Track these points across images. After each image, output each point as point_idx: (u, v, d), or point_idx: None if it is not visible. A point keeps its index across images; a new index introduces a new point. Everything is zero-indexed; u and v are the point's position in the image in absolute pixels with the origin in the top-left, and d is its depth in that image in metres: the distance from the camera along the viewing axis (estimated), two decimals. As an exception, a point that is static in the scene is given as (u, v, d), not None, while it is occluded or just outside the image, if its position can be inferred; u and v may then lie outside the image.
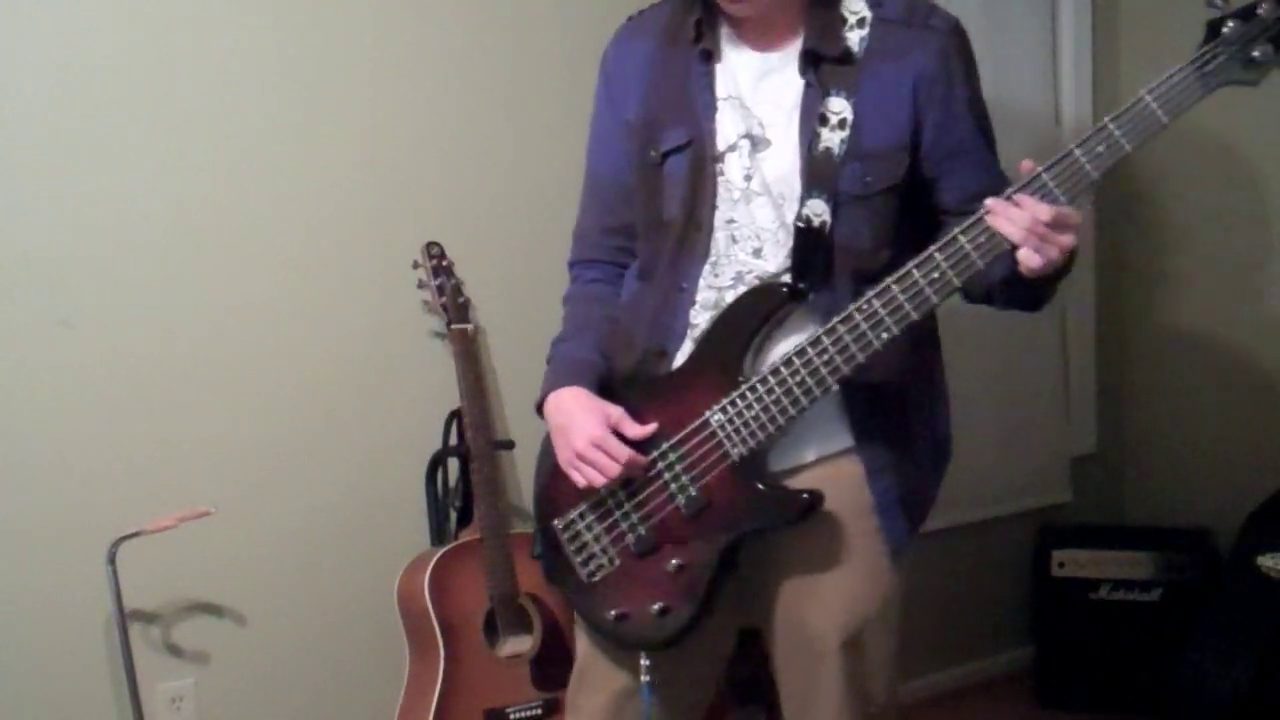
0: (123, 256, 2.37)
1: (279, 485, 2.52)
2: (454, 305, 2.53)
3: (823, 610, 1.72)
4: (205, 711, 2.48)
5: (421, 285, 2.56)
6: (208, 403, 2.45)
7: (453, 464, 2.63)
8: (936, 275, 1.55)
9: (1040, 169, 1.52)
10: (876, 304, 1.57)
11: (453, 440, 2.61)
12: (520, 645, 2.45)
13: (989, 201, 1.52)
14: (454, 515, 2.62)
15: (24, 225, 2.29)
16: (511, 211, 2.69)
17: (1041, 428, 3.37)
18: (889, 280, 1.57)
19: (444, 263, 2.55)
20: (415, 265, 2.55)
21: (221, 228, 2.45)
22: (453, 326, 2.53)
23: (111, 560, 2.28)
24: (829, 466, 1.70)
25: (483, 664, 2.41)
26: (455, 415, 2.59)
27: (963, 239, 1.53)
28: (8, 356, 2.28)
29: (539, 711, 2.43)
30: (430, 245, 2.55)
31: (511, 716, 2.42)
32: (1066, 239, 1.51)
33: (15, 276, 2.29)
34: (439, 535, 2.61)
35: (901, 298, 1.56)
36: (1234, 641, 2.63)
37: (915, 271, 1.56)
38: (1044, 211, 1.49)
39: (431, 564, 2.41)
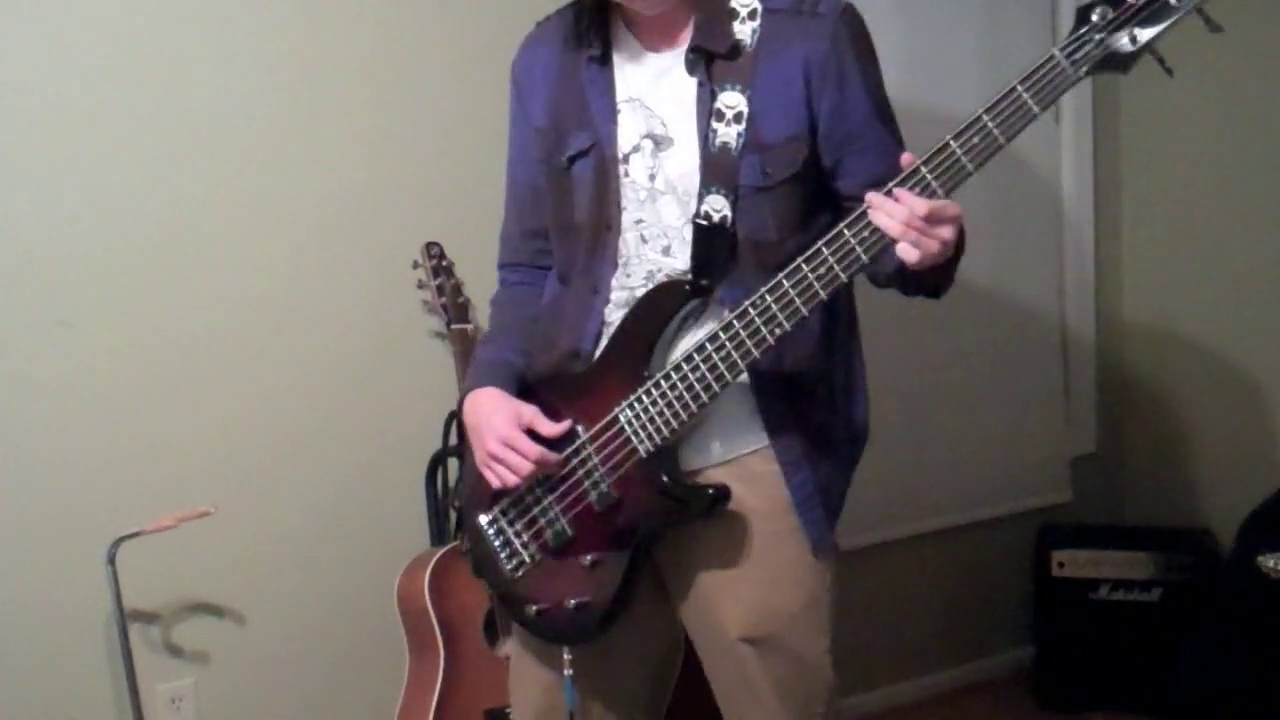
0: (122, 256, 2.37)
1: (279, 485, 2.52)
2: (454, 305, 2.53)
3: (736, 609, 1.73)
4: (205, 711, 2.48)
5: (421, 285, 2.56)
6: (208, 403, 2.45)
7: (453, 464, 2.63)
8: (824, 270, 1.55)
9: (919, 162, 1.50)
10: (769, 299, 1.58)
11: (453, 440, 2.61)
12: (520, 645, 2.45)
13: (869, 196, 1.51)
14: (454, 515, 2.62)
15: (24, 225, 2.30)
16: (511, 211, 2.69)
17: (1041, 428, 3.37)
18: (780, 275, 1.58)
19: (444, 263, 2.55)
20: (415, 265, 2.55)
21: (221, 228, 2.45)
22: (453, 326, 2.53)
23: (111, 560, 2.28)
24: (742, 465, 1.71)
25: (482, 664, 2.41)
26: (455, 415, 2.59)
27: (848, 233, 1.53)
28: (8, 356, 2.29)
29: (539, 711, 2.43)
30: (430, 245, 2.55)
31: (511, 717, 2.42)
32: (945, 232, 1.49)
33: (15, 276, 2.29)
34: (439, 535, 2.61)
35: (792, 293, 1.57)
36: (1234, 641, 2.62)
37: (804, 266, 1.56)
38: (920, 206, 1.47)
39: (431, 564, 2.41)
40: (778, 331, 1.58)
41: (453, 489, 2.62)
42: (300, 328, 2.53)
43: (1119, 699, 3.08)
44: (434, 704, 2.36)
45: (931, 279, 1.63)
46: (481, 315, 2.61)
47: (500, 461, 1.70)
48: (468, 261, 2.59)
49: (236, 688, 2.50)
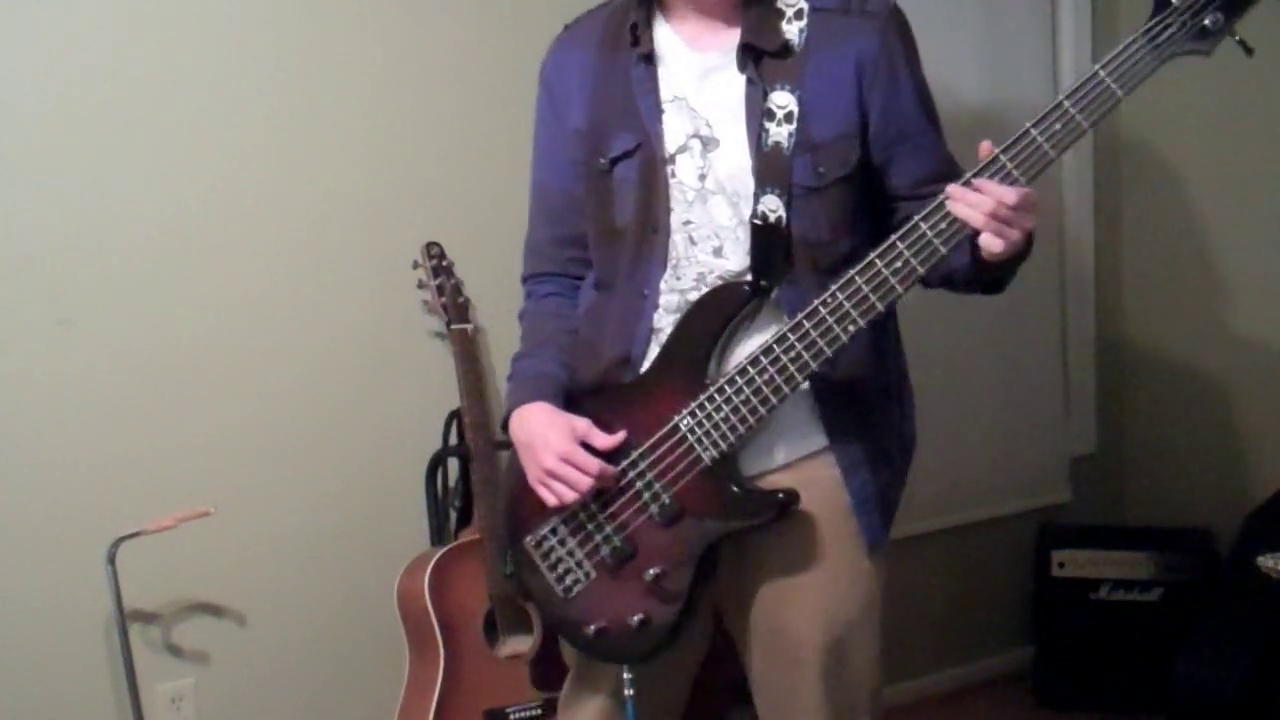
0: (123, 256, 2.37)
1: (279, 485, 2.52)
2: (454, 305, 2.53)
3: (802, 615, 1.71)
4: (205, 711, 2.48)
5: (421, 285, 2.56)
6: (208, 403, 2.45)
7: (453, 464, 2.63)
8: (900, 264, 1.53)
9: (998, 150, 1.50)
10: (841, 297, 1.56)
11: (453, 440, 2.61)
12: (520, 645, 2.45)
13: (950, 188, 1.51)
14: (454, 515, 2.62)
15: (24, 225, 2.29)
16: (511, 211, 2.65)
17: (1041, 428, 3.37)
18: (852, 272, 1.56)
19: (444, 263, 2.55)
20: (415, 265, 2.55)
21: (221, 228, 2.45)
22: (453, 326, 2.53)
23: (111, 560, 2.28)
24: (802, 469, 1.69)
25: (482, 664, 2.41)
26: (455, 415, 2.59)
27: (924, 226, 1.52)
28: (8, 356, 2.29)
29: (538, 711, 2.43)
30: (430, 245, 2.55)
31: (511, 716, 2.42)
32: (1028, 221, 1.50)
33: (15, 276, 2.29)
34: (439, 535, 2.61)
35: (866, 289, 1.55)
36: (1234, 641, 2.62)
37: (878, 261, 1.54)
38: (1008, 195, 1.47)
39: (431, 564, 2.41)
40: (851, 329, 1.56)
41: (453, 489, 2.62)
42: (300, 327, 2.53)
43: (1119, 699, 3.07)
44: (434, 704, 2.36)
45: (999, 272, 1.61)
46: (482, 315, 2.62)
47: (558, 478, 1.66)
48: (468, 261, 2.59)
49: (236, 688, 2.50)
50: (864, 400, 1.71)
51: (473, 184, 2.67)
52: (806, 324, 1.58)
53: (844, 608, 1.72)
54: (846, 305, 1.56)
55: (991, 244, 1.49)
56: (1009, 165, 1.49)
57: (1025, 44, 3.18)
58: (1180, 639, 2.73)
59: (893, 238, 1.54)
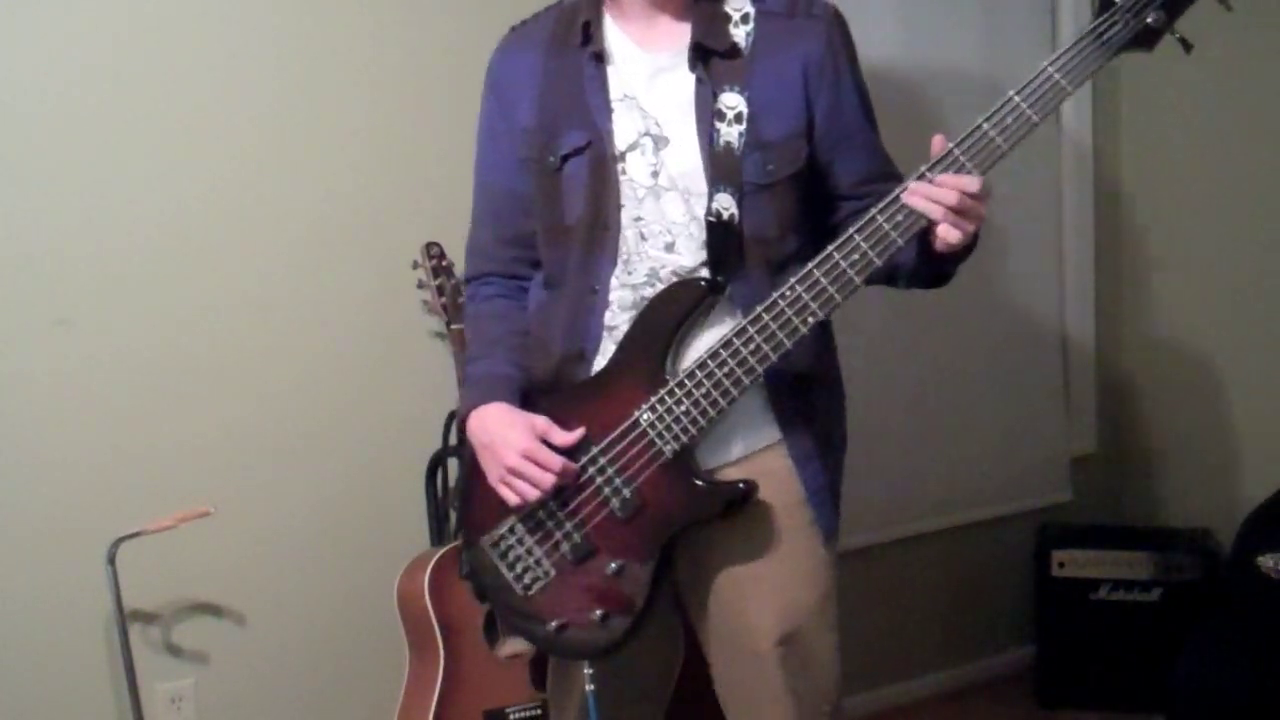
0: (122, 256, 2.37)
1: (279, 485, 2.52)
2: (454, 305, 2.53)
3: (762, 607, 1.73)
4: (205, 711, 2.48)
5: (421, 285, 2.56)
6: (207, 403, 2.45)
7: (453, 464, 2.63)
8: (857, 257, 1.58)
9: (952, 145, 1.55)
10: (799, 289, 1.60)
11: (453, 440, 2.61)
12: (519, 645, 2.44)
13: (909, 182, 1.56)
14: (454, 515, 2.62)
15: (24, 225, 2.30)
16: (511, 211, 2.69)
17: (1041, 428, 3.37)
18: (810, 265, 1.60)
19: (444, 263, 2.55)
20: (415, 265, 2.55)
21: (221, 227, 2.45)
22: (453, 326, 2.53)
23: (111, 560, 2.28)
24: (756, 462, 1.72)
25: (482, 664, 2.41)
26: (455, 415, 2.59)
27: (880, 219, 1.57)
28: (8, 356, 2.29)
29: (538, 712, 2.43)
30: (430, 245, 2.55)
31: (511, 716, 2.42)
32: (983, 210, 1.56)
33: (15, 276, 2.29)
34: (439, 535, 2.61)
35: (824, 281, 1.59)
36: (1234, 641, 2.62)
37: (836, 254, 1.59)
38: (970, 183, 1.53)
39: (431, 564, 2.41)
40: (811, 321, 1.60)
41: (452, 489, 2.62)
42: (300, 327, 2.53)
43: (1119, 699, 3.08)
44: (434, 704, 2.36)
45: (950, 265, 1.66)
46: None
47: (522, 476, 1.68)
48: (468, 261, 2.59)
49: (236, 688, 2.50)
50: (812, 393, 1.76)
51: (473, 184, 2.67)
52: (765, 317, 1.61)
53: (802, 596, 1.74)
54: (805, 298, 1.60)
55: (949, 234, 1.55)
56: (962, 158, 1.55)
57: (1025, 44, 3.18)
58: (1180, 639, 2.73)
59: (849, 231, 1.59)
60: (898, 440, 3.11)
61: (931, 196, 1.54)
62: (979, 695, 3.28)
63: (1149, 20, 1.54)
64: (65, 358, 2.33)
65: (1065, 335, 3.41)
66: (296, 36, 2.50)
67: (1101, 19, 1.55)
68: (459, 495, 1.84)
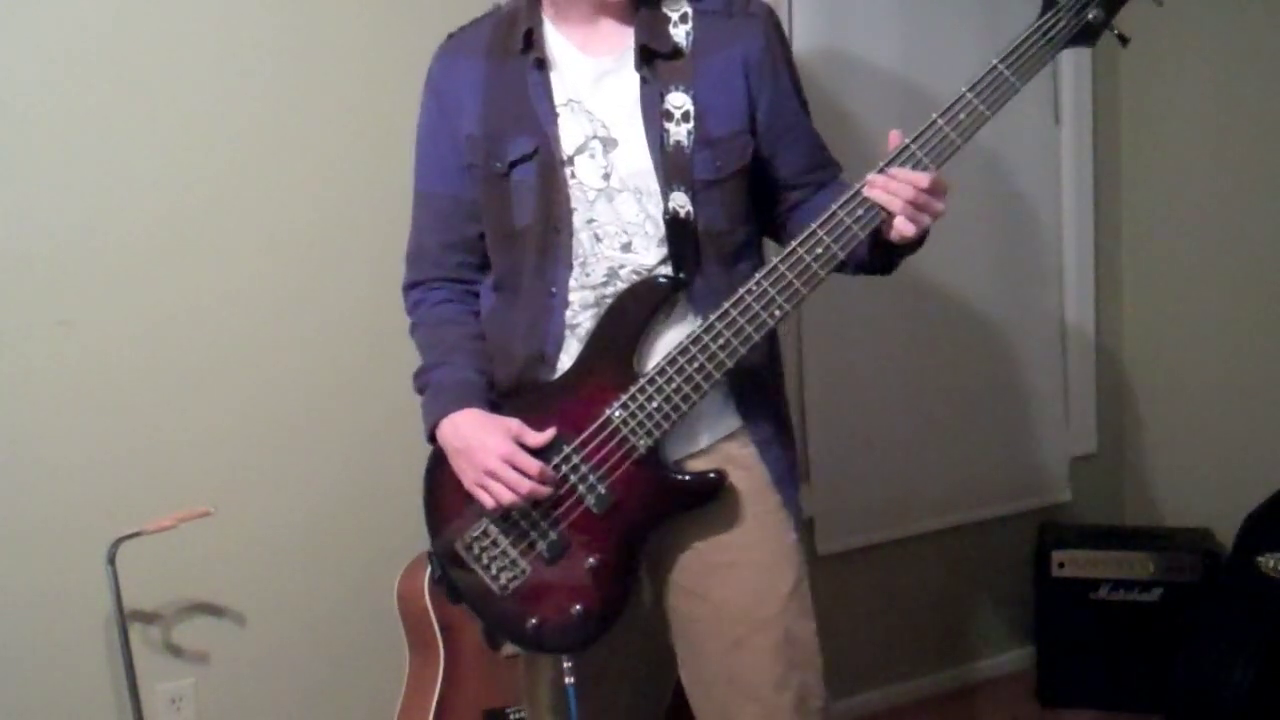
0: (122, 256, 2.37)
1: (279, 485, 2.52)
2: (454, 305, 2.53)
3: (739, 593, 1.74)
4: (205, 711, 2.48)
5: (421, 285, 2.55)
6: (207, 402, 2.45)
7: (453, 464, 2.63)
8: (821, 250, 1.63)
9: (908, 140, 1.61)
10: (766, 284, 1.64)
11: (453, 440, 2.61)
12: (520, 645, 2.45)
13: (869, 176, 1.61)
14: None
15: (24, 225, 2.30)
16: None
17: (1041, 428, 3.37)
18: (775, 260, 1.64)
19: (444, 263, 2.55)
20: (415, 265, 2.55)
21: (221, 227, 2.45)
22: (453, 326, 2.53)
23: (111, 560, 2.28)
24: (721, 450, 1.75)
25: (482, 664, 2.41)
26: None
27: (842, 213, 1.62)
28: (8, 356, 2.29)
29: (539, 711, 2.43)
30: (430, 245, 2.54)
31: (511, 717, 2.42)
32: (940, 205, 1.61)
33: (15, 276, 2.29)
34: (439, 535, 2.61)
35: (790, 275, 1.63)
36: (1234, 641, 2.62)
37: (800, 249, 1.63)
38: (921, 179, 1.59)
39: (431, 564, 2.41)
40: (779, 314, 1.64)
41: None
42: (300, 327, 2.53)
43: (1119, 699, 3.08)
44: (434, 704, 2.36)
45: (895, 257, 1.71)
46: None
47: (499, 480, 1.69)
48: (468, 261, 2.59)
49: (236, 688, 2.51)
50: (767, 382, 1.81)
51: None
52: (733, 312, 1.64)
53: (777, 583, 1.76)
54: (772, 292, 1.64)
55: (904, 227, 1.60)
56: (919, 153, 1.61)
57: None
58: (1180, 639, 2.73)
59: (813, 226, 1.63)
60: (898, 440, 3.11)
61: (893, 191, 1.59)
62: (979, 695, 3.28)
63: (1089, 17, 1.62)
64: (66, 358, 2.33)
65: (1065, 335, 3.41)
66: (295, 36, 2.50)
67: (1046, 17, 1.63)
68: (425, 503, 1.85)
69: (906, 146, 1.61)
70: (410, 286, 1.93)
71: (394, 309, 2.60)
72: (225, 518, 2.39)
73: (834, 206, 1.62)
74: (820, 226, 1.62)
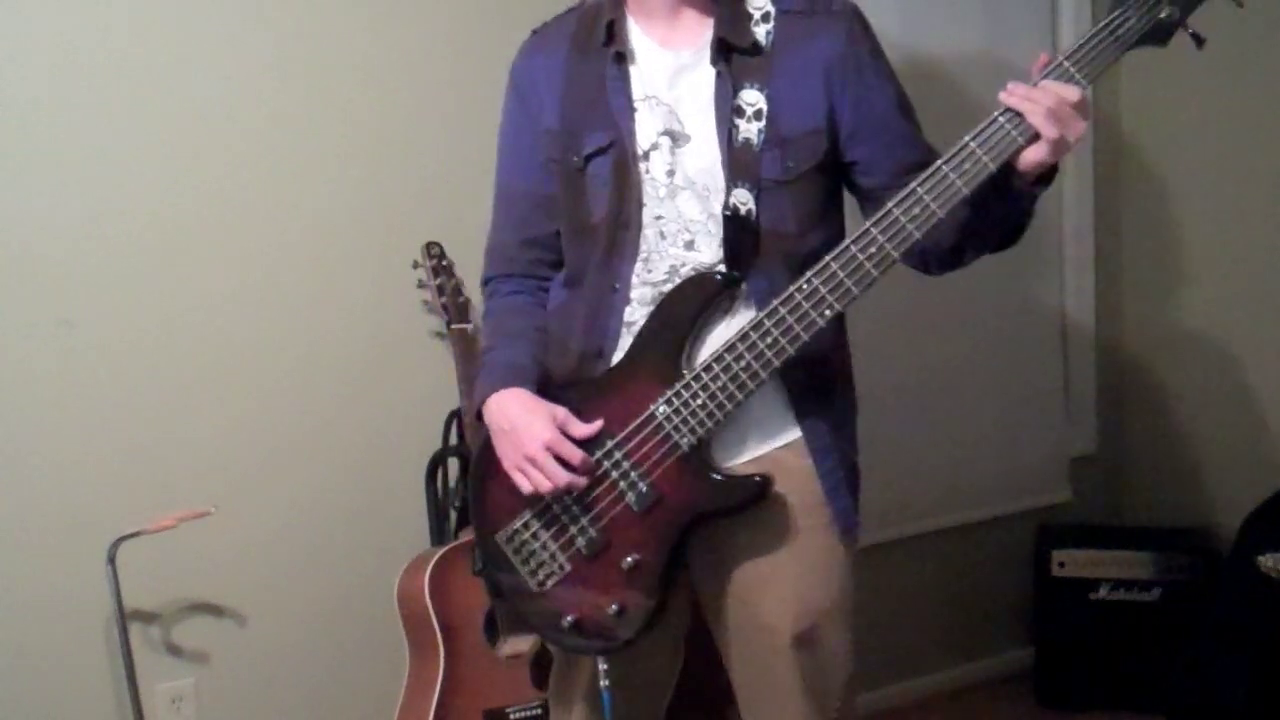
0: (122, 256, 2.37)
1: (279, 485, 2.52)
2: (454, 305, 2.53)
3: (777, 605, 1.72)
4: (205, 711, 2.48)
5: (421, 285, 2.56)
6: (208, 403, 2.45)
7: (453, 464, 2.63)
8: (874, 249, 1.58)
9: (1062, 57, 1.56)
10: (816, 282, 1.60)
11: (453, 440, 2.61)
12: (520, 645, 2.45)
13: (1010, 85, 1.55)
14: (454, 515, 2.62)
15: (24, 225, 2.30)
16: (511, 211, 2.69)
17: (1041, 428, 3.37)
18: (828, 258, 1.60)
19: (444, 263, 2.55)
20: (415, 265, 2.55)
21: (221, 227, 2.45)
22: (453, 326, 2.53)
23: (111, 560, 2.28)
24: (772, 460, 1.71)
25: (482, 664, 2.41)
26: (455, 415, 2.59)
27: (897, 211, 1.58)
28: (8, 356, 2.29)
29: (539, 711, 2.43)
30: (430, 245, 2.55)
31: (511, 716, 2.42)
32: (1083, 124, 1.55)
33: (15, 276, 2.29)
34: (439, 535, 2.61)
35: (842, 274, 1.59)
36: (1234, 641, 2.63)
37: (853, 247, 1.59)
38: (1071, 93, 1.53)
39: (431, 564, 2.41)
40: (828, 313, 1.60)
41: (453, 489, 2.62)
42: (300, 327, 2.53)
43: (1119, 699, 3.07)
44: (434, 704, 2.36)
45: (1024, 201, 1.63)
46: (481, 315, 2.61)
47: (539, 468, 1.67)
48: (468, 261, 2.58)
49: (236, 688, 2.50)
50: (830, 386, 1.76)
51: (473, 184, 2.65)
52: (782, 310, 1.61)
53: (817, 596, 1.74)
54: (823, 290, 1.60)
55: (1038, 152, 1.53)
56: (1071, 69, 1.55)
57: (1025, 44, 3.18)
58: (1180, 639, 2.73)
59: (867, 224, 1.59)
60: (898, 440, 3.10)
61: (1034, 99, 1.53)
62: (979, 695, 3.28)
63: (1162, 15, 1.56)
64: (67, 358, 2.33)
65: (1065, 335, 3.41)
66: (296, 36, 2.50)
67: (1115, 14, 1.57)
68: (470, 488, 1.83)
69: (1059, 63, 1.55)
70: (486, 280, 1.94)
71: (395, 309, 2.62)
72: (225, 518, 2.39)
73: (889, 204, 1.56)
74: (874, 225, 1.57)
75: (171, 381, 2.42)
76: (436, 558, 2.43)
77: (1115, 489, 3.50)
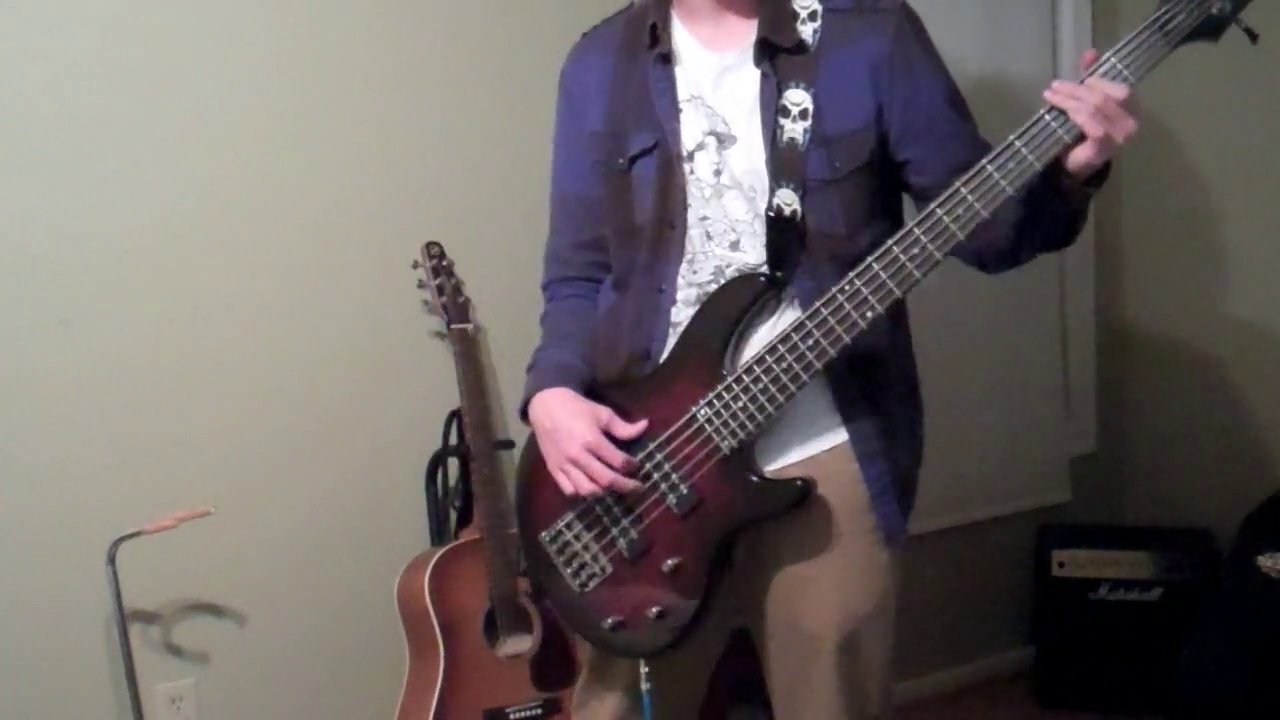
0: (123, 256, 2.37)
1: (279, 485, 2.52)
2: (454, 305, 2.53)
3: (818, 610, 1.71)
4: (205, 711, 2.48)
5: (421, 285, 2.56)
6: (208, 403, 2.45)
7: (453, 464, 2.63)
8: (918, 250, 1.55)
9: (1110, 53, 1.52)
10: (859, 283, 1.57)
11: (453, 440, 2.61)
12: (520, 645, 2.45)
13: (1054, 84, 1.52)
14: (454, 515, 2.62)
15: (24, 225, 2.29)
16: (511, 211, 2.69)
17: (1041, 428, 3.37)
18: (870, 259, 1.57)
19: (444, 263, 2.55)
20: (415, 265, 2.55)
21: (221, 228, 2.45)
22: (453, 326, 2.53)
23: (111, 560, 2.28)
24: (818, 464, 1.69)
25: (483, 664, 2.41)
26: (455, 415, 2.60)
27: (940, 212, 1.54)
28: (8, 356, 2.29)
29: (539, 711, 2.43)
30: (430, 245, 2.55)
31: (511, 716, 2.42)
32: (1134, 121, 1.52)
33: (15, 276, 2.29)
34: (439, 535, 2.61)
35: (884, 275, 1.56)
36: (1234, 641, 2.62)
37: (896, 248, 1.56)
38: (1118, 90, 1.50)
39: (431, 564, 2.41)
40: (870, 315, 1.57)
41: (453, 489, 2.62)
42: (300, 327, 2.53)
43: (1119, 699, 3.07)
44: (434, 704, 2.36)
45: (1079, 201, 1.61)
46: (482, 315, 2.62)
47: (582, 468, 1.67)
48: (468, 261, 2.59)
49: (236, 688, 2.50)
50: (879, 382, 1.72)
51: (473, 184, 2.67)
52: (824, 311, 1.58)
53: (858, 602, 1.72)
54: (865, 292, 1.57)
55: (1085, 151, 1.51)
56: (1119, 65, 1.52)
57: (1025, 44, 3.18)
58: (1180, 639, 2.73)
59: (910, 224, 1.56)
60: (898, 440, 3.11)
61: (1079, 97, 1.49)
62: (979, 695, 3.28)
63: (1213, 10, 1.51)
64: (66, 357, 2.33)
65: (1065, 335, 3.41)
66: (296, 36, 2.50)
67: (1163, 9, 1.51)
68: (517, 487, 1.82)
69: (1106, 59, 1.51)
70: (546, 285, 1.93)
71: (396, 309, 2.62)
72: (225, 518, 2.39)
73: (933, 205, 1.53)
74: (918, 225, 1.53)
75: (171, 381, 2.42)
76: (436, 558, 2.43)
77: (1115, 489, 3.50)
